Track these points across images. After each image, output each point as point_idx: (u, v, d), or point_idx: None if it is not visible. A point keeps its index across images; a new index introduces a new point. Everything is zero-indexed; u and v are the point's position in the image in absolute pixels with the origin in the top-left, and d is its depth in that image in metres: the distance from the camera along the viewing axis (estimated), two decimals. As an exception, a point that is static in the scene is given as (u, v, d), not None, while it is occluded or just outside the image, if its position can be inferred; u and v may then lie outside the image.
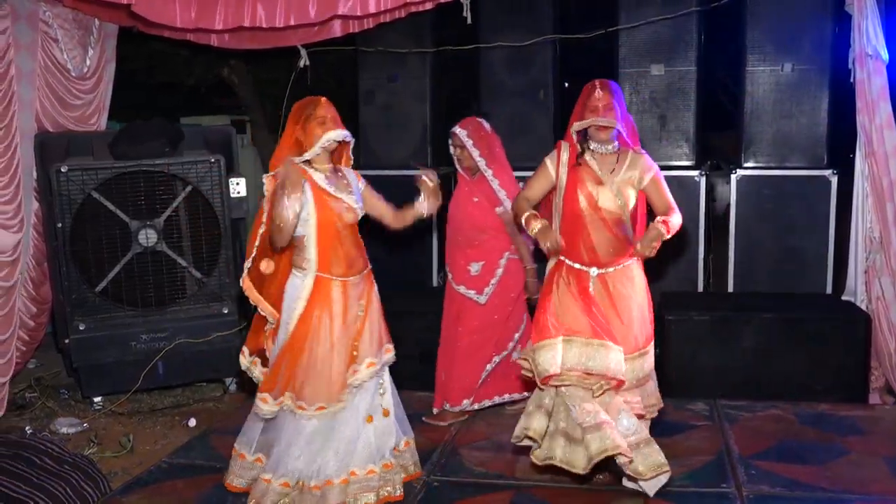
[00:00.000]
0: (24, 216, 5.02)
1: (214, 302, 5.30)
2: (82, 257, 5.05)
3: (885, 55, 4.62)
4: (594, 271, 3.52)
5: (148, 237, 5.14)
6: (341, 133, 3.38)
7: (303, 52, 5.77)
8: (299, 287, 3.42)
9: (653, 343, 3.62)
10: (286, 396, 3.39)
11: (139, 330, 5.14)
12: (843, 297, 5.08)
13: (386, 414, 3.58)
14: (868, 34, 4.61)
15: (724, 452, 3.96)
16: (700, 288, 5.58)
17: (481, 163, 4.31)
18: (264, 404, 3.42)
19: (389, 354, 3.61)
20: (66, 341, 5.12)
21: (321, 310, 3.39)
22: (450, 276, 4.51)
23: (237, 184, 5.30)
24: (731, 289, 5.45)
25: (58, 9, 5.16)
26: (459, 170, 4.46)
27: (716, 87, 8.59)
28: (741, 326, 4.81)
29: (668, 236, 3.43)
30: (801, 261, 5.32)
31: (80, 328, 5.04)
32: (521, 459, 3.96)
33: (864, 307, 4.93)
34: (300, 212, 3.32)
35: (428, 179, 3.56)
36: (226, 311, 5.26)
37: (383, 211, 3.66)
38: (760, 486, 3.60)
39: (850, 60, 4.84)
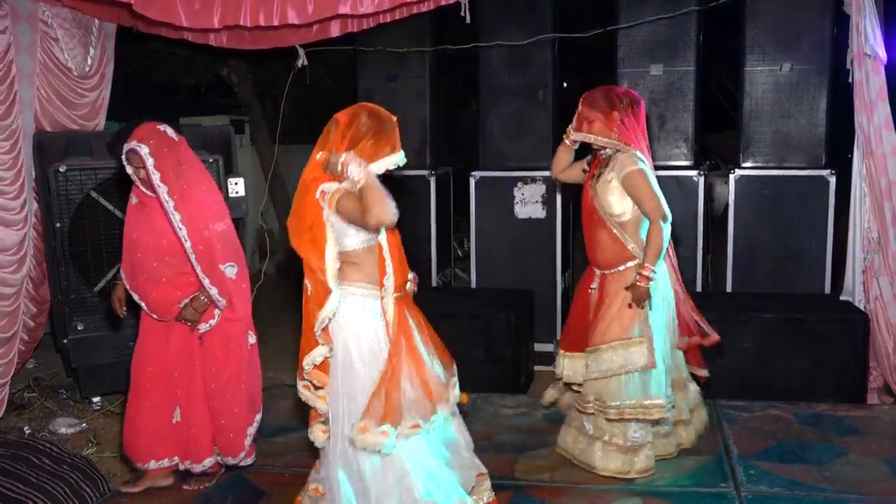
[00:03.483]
0: (27, 215, 5.02)
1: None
2: (81, 257, 5.04)
3: (883, 55, 4.62)
4: (597, 271, 3.76)
5: (147, 237, 5.13)
6: (403, 157, 3.09)
7: (301, 52, 5.76)
8: (374, 310, 3.08)
9: (630, 344, 3.59)
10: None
11: (138, 330, 5.12)
12: (842, 298, 5.08)
13: None
14: (866, 34, 4.61)
15: (722, 452, 3.97)
16: (699, 288, 5.59)
17: (162, 190, 3.47)
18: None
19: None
20: (65, 341, 5.12)
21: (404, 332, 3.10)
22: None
23: (236, 183, 5.28)
24: (729, 289, 5.45)
25: (57, 8, 5.15)
26: (143, 189, 3.60)
27: (715, 87, 8.61)
28: (740, 326, 4.81)
29: (658, 263, 3.60)
30: (799, 261, 5.33)
31: (79, 328, 5.04)
32: (520, 460, 3.97)
33: (862, 307, 4.93)
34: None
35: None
36: (225, 311, 5.25)
37: None
38: (759, 486, 3.61)
39: (848, 60, 4.84)
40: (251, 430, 3.80)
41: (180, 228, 3.47)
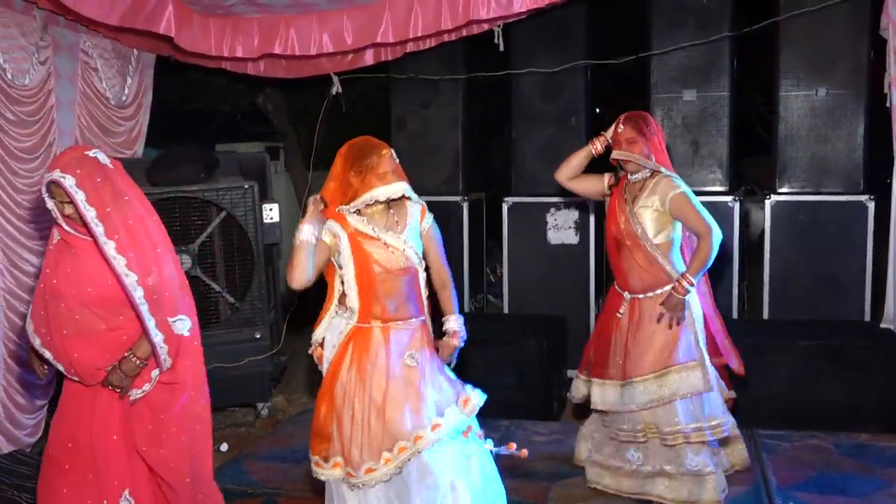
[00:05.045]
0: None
1: (247, 327, 5.33)
2: (118, 282, 5.09)
3: (921, 79, 4.57)
4: (627, 295, 3.68)
5: (183, 262, 5.19)
6: (394, 189, 3.09)
7: (335, 79, 5.84)
8: (340, 329, 3.11)
9: (680, 370, 3.55)
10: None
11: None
12: (882, 325, 4.99)
13: None
14: (904, 58, 4.56)
15: (761, 483, 3.89)
16: (735, 315, 5.52)
17: (99, 230, 2.73)
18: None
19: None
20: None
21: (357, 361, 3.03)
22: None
23: (270, 209, 5.34)
24: (766, 316, 5.38)
25: (97, 39, 5.27)
26: (66, 228, 2.86)
27: (749, 112, 8.54)
28: (777, 354, 4.74)
29: (699, 276, 3.56)
30: (837, 287, 5.24)
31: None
32: (554, 488, 3.93)
33: (903, 335, 4.84)
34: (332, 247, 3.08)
35: None
36: (258, 336, 5.28)
37: (431, 262, 3.25)
38: (799, 517, 3.53)
39: (885, 84, 4.78)
40: None
41: (126, 275, 2.74)
